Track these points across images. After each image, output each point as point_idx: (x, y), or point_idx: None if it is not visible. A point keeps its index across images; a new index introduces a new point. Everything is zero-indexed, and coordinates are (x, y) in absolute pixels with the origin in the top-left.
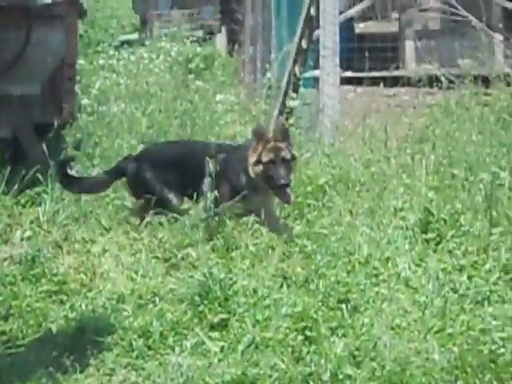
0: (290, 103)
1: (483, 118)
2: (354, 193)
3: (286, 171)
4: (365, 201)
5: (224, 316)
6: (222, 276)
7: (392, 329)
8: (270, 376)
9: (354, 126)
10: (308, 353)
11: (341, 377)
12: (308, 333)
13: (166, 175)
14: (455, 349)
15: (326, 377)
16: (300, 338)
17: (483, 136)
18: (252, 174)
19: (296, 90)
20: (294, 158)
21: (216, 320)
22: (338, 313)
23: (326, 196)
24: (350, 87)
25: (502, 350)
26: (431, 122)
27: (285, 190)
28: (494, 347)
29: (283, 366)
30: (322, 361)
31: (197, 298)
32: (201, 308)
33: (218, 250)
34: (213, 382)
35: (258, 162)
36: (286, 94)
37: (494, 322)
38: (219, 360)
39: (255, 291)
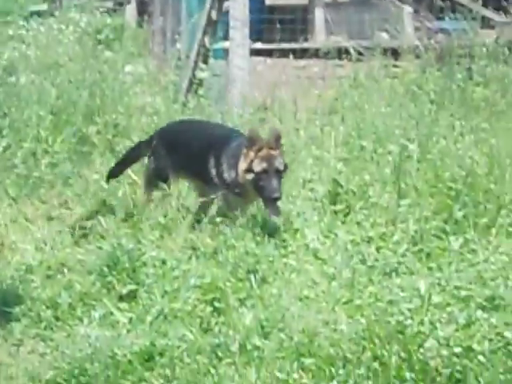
0: (200, 74)
1: (392, 90)
2: None
3: (279, 183)
4: None
5: (132, 287)
6: (131, 247)
7: (300, 300)
8: (179, 347)
9: (263, 98)
10: (216, 324)
11: (249, 347)
12: (217, 304)
13: (176, 155)
14: (363, 320)
15: (234, 348)
16: (209, 309)
17: (392, 108)
18: (241, 181)
19: (206, 61)
20: (285, 168)
21: (124, 291)
22: (247, 284)
23: None
24: (260, 58)
25: (410, 322)
26: (340, 94)
27: (276, 203)
28: (401, 318)
29: (192, 336)
30: (231, 332)
31: (105, 269)
32: (109, 279)
33: (127, 221)
34: (121, 353)
35: (249, 170)
36: (195, 65)
37: (401, 294)
38: (128, 331)
39: (164, 262)
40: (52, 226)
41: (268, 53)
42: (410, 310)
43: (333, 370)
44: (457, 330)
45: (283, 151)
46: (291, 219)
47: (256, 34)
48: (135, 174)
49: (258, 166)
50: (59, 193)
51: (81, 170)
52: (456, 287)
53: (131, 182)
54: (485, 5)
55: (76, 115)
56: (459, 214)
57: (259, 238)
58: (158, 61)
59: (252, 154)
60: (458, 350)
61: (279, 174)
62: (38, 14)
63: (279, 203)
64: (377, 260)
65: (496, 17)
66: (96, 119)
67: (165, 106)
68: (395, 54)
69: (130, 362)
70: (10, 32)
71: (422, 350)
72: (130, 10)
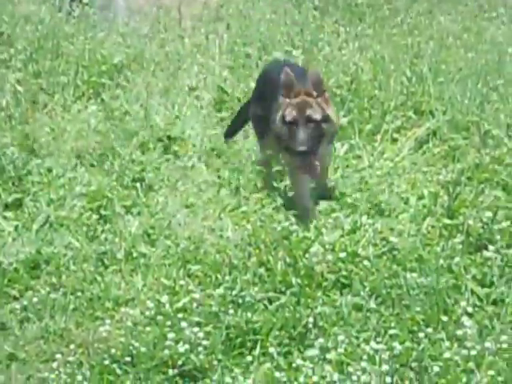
0: None
1: None
2: (149, 72)
3: (308, 134)
4: (159, 80)
5: (18, 195)
6: (17, 155)
7: (187, 207)
8: (65, 255)
9: (148, 6)
10: (103, 231)
11: (135, 255)
12: (103, 211)
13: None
14: (249, 226)
15: (120, 255)
16: (95, 216)
17: (277, 15)
18: (277, 132)
19: None
20: (326, 119)
21: (10, 200)
22: (133, 191)
23: (120, 75)
24: None
25: (295, 227)
26: (225, 1)
27: (304, 158)
28: (287, 224)
29: (78, 244)
30: (117, 239)
31: None
32: None
33: (12, 129)
34: (7, 262)
35: (283, 121)
36: None
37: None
38: (13, 239)
39: (49, 170)
40: None
41: None
42: (295, 215)
43: (219, 276)
44: (342, 236)
45: (326, 99)
46: (177, 126)
47: None
48: (18, 84)
49: (288, 116)
50: None
51: None
52: (341, 193)
53: (13, 90)
54: None
55: None
56: (344, 120)
57: (145, 146)
58: None
59: (287, 101)
60: (343, 255)
61: (313, 124)
62: None
63: (313, 161)
64: None
65: None
66: None
67: (49, 15)
68: None
69: (16, 270)
70: None
71: (307, 256)
72: None
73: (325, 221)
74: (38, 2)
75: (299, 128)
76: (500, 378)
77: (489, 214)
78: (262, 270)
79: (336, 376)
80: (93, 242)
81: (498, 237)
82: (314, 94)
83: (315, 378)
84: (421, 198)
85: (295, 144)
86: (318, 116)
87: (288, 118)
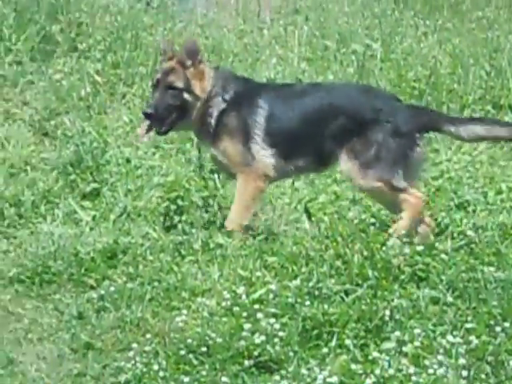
0: None
1: None
2: (228, 63)
3: (167, 101)
4: (238, 71)
5: (96, 185)
6: (95, 145)
7: (263, 200)
8: (142, 245)
9: None
10: (180, 222)
11: (212, 245)
12: (180, 202)
13: None
14: (326, 218)
15: (197, 245)
16: (172, 207)
17: (355, 7)
18: None
19: None
20: (189, 90)
21: (88, 189)
22: (211, 183)
23: None
24: None
25: (373, 220)
26: None
27: (150, 119)
28: (364, 216)
29: (155, 234)
30: (194, 230)
31: (69, 167)
32: (72, 177)
33: (90, 118)
34: (84, 251)
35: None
36: None
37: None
38: (91, 229)
39: (128, 160)
40: (14, 124)
41: None
42: (368, 207)
43: (295, 268)
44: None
45: (200, 71)
46: None
47: None
48: (97, 74)
49: (153, 79)
50: (21, 91)
51: (44, 69)
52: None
53: (92, 80)
54: None
55: (39, 13)
56: None
57: None
58: None
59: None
60: (420, 248)
61: (173, 90)
62: None
63: (148, 126)
64: None
65: None
66: (60, 18)
67: (129, 5)
68: None
69: (93, 259)
70: None
71: (384, 249)
72: None
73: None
74: None
75: (156, 91)
76: None
77: None
78: (338, 263)
79: (412, 369)
80: (170, 232)
81: None
82: (188, 63)
83: (391, 371)
84: (499, 192)
85: (145, 105)
86: (179, 84)
87: (152, 82)
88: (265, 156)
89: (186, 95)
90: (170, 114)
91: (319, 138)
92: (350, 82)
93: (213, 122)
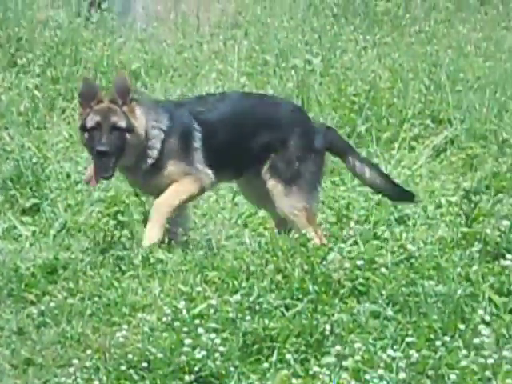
0: None
1: (295, 4)
2: (167, 78)
3: (111, 139)
4: (178, 86)
5: (36, 201)
6: (35, 160)
7: (203, 215)
8: (82, 260)
9: (166, 12)
10: (120, 237)
11: (152, 261)
12: (120, 217)
13: None
14: (266, 233)
15: (137, 261)
16: (112, 222)
17: (295, 22)
18: (82, 143)
19: None
20: (131, 129)
21: (28, 204)
22: (151, 197)
23: (138, 81)
24: None
25: (313, 234)
26: (243, 8)
27: (101, 159)
28: (304, 231)
29: (95, 250)
30: (134, 245)
31: (8, 183)
32: (12, 192)
33: (30, 133)
34: (24, 266)
35: (83, 128)
36: None
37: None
38: (31, 244)
39: (68, 175)
40: None
41: None
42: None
43: (236, 283)
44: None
45: (132, 108)
46: None
47: None
48: (36, 89)
49: (90, 121)
50: None
51: None
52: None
53: (32, 95)
54: None
55: None
56: (362, 128)
57: None
58: None
59: (88, 109)
60: (360, 262)
61: (117, 130)
62: None
63: (109, 163)
64: None
65: None
66: None
67: (68, 20)
68: None
69: (33, 275)
70: None
71: (324, 263)
72: None
73: (343, 228)
74: (56, 6)
75: (102, 132)
76: None
77: (507, 222)
78: (279, 277)
79: (353, 383)
80: (110, 247)
81: None
82: (120, 101)
83: None
84: (439, 206)
85: (95, 144)
86: (122, 123)
87: (90, 124)
88: (205, 169)
89: (127, 135)
90: (115, 155)
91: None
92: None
93: (156, 152)
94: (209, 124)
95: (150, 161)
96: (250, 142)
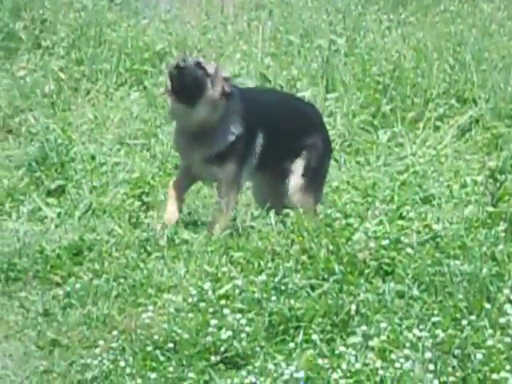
0: None
1: None
2: None
3: (192, 71)
4: None
5: (61, 182)
6: (60, 142)
7: None
8: (108, 241)
9: None
10: (145, 218)
11: (178, 241)
12: (145, 198)
13: None
14: (291, 213)
15: (162, 242)
16: (137, 203)
17: (319, 2)
18: None
19: None
20: (213, 80)
21: (53, 186)
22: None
23: (163, 62)
24: None
25: (338, 215)
26: None
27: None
28: (329, 211)
29: (120, 231)
30: (159, 226)
31: (33, 164)
32: (37, 174)
33: (55, 115)
34: (50, 248)
35: None
36: None
37: (329, 188)
38: (56, 226)
39: (93, 157)
40: None
41: None
42: (336, 204)
43: (262, 263)
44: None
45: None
46: None
47: None
48: (61, 71)
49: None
50: None
51: (7, 66)
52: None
53: (56, 77)
54: None
55: (3, 11)
56: (387, 108)
57: None
58: None
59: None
60: (385, 242)
61: (202, 70)
62: None
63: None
64: None
65: None
66: (23, 15)
67: (92, 2)
68: None
69: (58, 256)
70: None
71: (350, 243)
72: None
73: (368, 208)
74: None
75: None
76: None
77: None
78: (304, 257)
79: (379, 363)
80: (135, 228)
81: None
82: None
83: (358, 365)
84: (464, 186)
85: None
86: (210, 69)
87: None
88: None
89: (209, 82)
90: (192, 88)
91: None
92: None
93: (231, 138)
94: (268, 130)
95: (222, 145)
96: (291, 143)
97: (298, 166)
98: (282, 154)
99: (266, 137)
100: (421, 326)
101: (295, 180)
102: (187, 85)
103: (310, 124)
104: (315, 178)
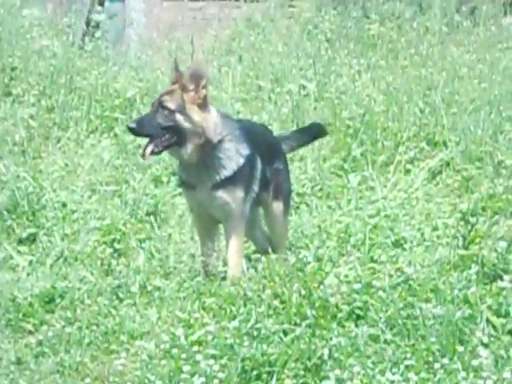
0: (96, 17)
1: (289, 30)
2: None
3: (147, 118)
4: None
5: (32, 230)
6: (31, 190)
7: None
8: (80, 289)
9: (160, 40)
10: (117, 265)
11: (150, 288)
12: (117, 245)
13: None
14: (263, 258)
15: (134, 288)
16: (109, 250)
17: (289, 47)
18: None
19: (102, 4)
20: (183, 112)
21: (24, 234)
22: (147, 225)
23: (133, 109)
24: (156, 1)
25: (310, 259)
26: (237, 35)
27: (135, 135)
28: (301, 255)
29: (92, 278)
30: (131, 273)
31: (5, 213)
32: (8, 223)
33: (25, 163)
34: (22, 296)
35: None
36: (92, 7)
37: (300, 231)
38: (28, 274)
39: (64, 205)
40: None
41: None
42: (307, 246)
43: (234, 308)
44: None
45: (201, 97)
46: None
47: None
48: (32, 119)
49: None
50: None
51: None
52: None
53: (27, 125)
54: None
55: None
56: (357, 152)
57: (158, 180)
58: (55, 4)
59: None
60: (357, 286)
61: (166, 111)
62: None
63: (150, 145)
64: None
65: None
66: None
67: (62, 50)
68: None
69: (30, 304)
70: None
71: (322, 287)
72: None
73: (340, 252)
74: (50, 36)
75: (150, 110)
76: None
77: (503, 243)
78: (276, 302)
79: None
80: (107, 275)
81: None
82: (190, 87)
83: None
84: (435, 228)
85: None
86: (171, 105)
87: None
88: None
89: (178, 117)
90: (161, 133)
91: None
92: None
93: (233, 167)
94: (259, 154)
95: (226, 172)
96: (267, 167)
97: (275, 191)
98: (264, 181)
99: (261, 160)
100: (394, 370)
101: (276, 206)
102: (155, 134)
103: (275, 148)
104: (288, 199)
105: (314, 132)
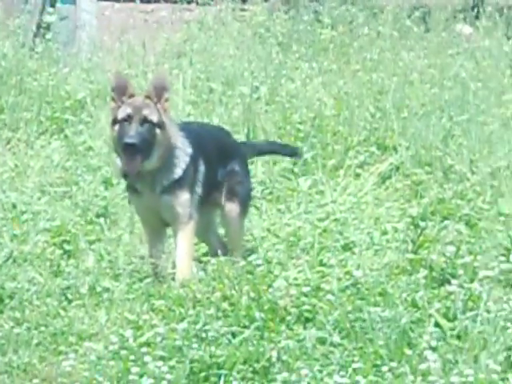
0: (47, 18)
1: (240, 34)
2: None
3: (140, 131)
4: None
5: None
6: None
7: None
8: (28, 290)
9: (112, 42)
10: (66, 266)
11: (99, 289)
12: (66, 246)
13: None
14: (213, 260)
15: (84, 290)
16: (58, 251)
17: (240, 51)
18: (111, 141)
19: (53, 5)
20: (162, 125)
21: None
22: (97, 227)
23: (84, 111)
24: (108, 3)
25: (259, 262)
26: (189, 38)
27: (129, 152)
28: (250, 258)
29: (41, 279)
30: (80, 274)
31: None
32: None
33: None
34: None
35: (114, 121)
36: (43, 8)
37: (250, 235)
38: None
39: (14, 206)
40: None
41: None
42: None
43: (183, 310)
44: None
45: (165, 108)
46: None
47: None
48: None
49: (121, 113)
50: None
51: None
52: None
53: None
54: None
55: None
56: (308, 156)
57: (108, 182)
58: (6, 5)
59: (120, 102)
60: (306, 289)
61: (148, 124)
62: None
63: (138, 158)
64: None
65: None
66: None
67: (13, 51)
68: None
69: None
70: None
71: (271, 290)
72: None
73: (289, 255)
74: (1, 37)
75: (132, 124)
76: None
77: (452, 248)
78: (225, 305)
79: None
80: (56, 276)
81: (461, 271)
82: (154, 98)
83: None
84: (384, 233)
85: (125, 137)
86: (154, 117)
87: (121, 116)
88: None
89: (158, 131)
90: (143, 150)
91: None
92: None
93: (180, 171)
94: (203, 157)
95: (173, 176)
96: (220, 169)
97: (229, 193)
98: (213, 183)
99: (204, 163)
100: (341, 373)
101: (229, 207)
102: (146, 149)
103: (230, 150)
104: (246, 200)
105: (288, 150)
